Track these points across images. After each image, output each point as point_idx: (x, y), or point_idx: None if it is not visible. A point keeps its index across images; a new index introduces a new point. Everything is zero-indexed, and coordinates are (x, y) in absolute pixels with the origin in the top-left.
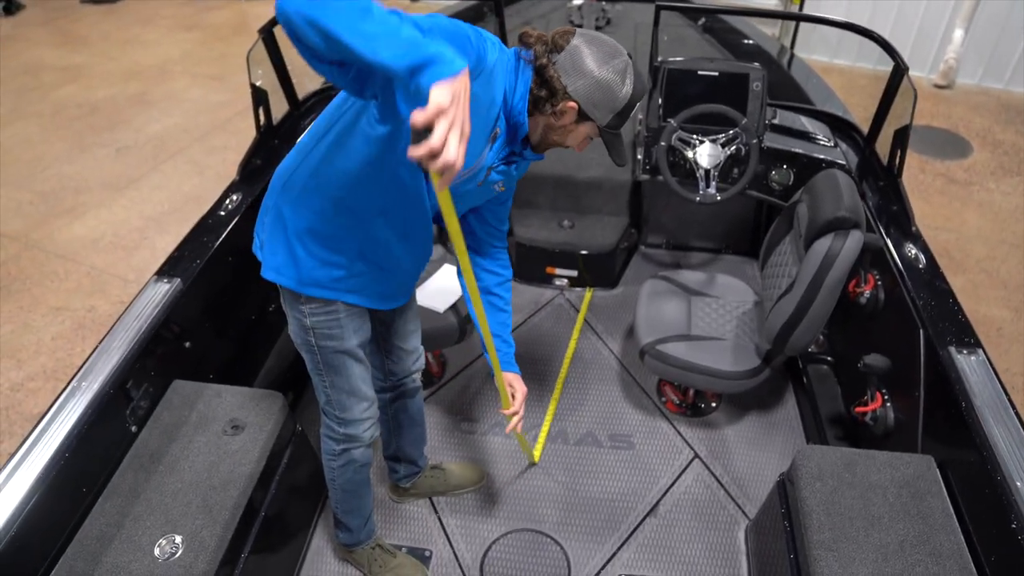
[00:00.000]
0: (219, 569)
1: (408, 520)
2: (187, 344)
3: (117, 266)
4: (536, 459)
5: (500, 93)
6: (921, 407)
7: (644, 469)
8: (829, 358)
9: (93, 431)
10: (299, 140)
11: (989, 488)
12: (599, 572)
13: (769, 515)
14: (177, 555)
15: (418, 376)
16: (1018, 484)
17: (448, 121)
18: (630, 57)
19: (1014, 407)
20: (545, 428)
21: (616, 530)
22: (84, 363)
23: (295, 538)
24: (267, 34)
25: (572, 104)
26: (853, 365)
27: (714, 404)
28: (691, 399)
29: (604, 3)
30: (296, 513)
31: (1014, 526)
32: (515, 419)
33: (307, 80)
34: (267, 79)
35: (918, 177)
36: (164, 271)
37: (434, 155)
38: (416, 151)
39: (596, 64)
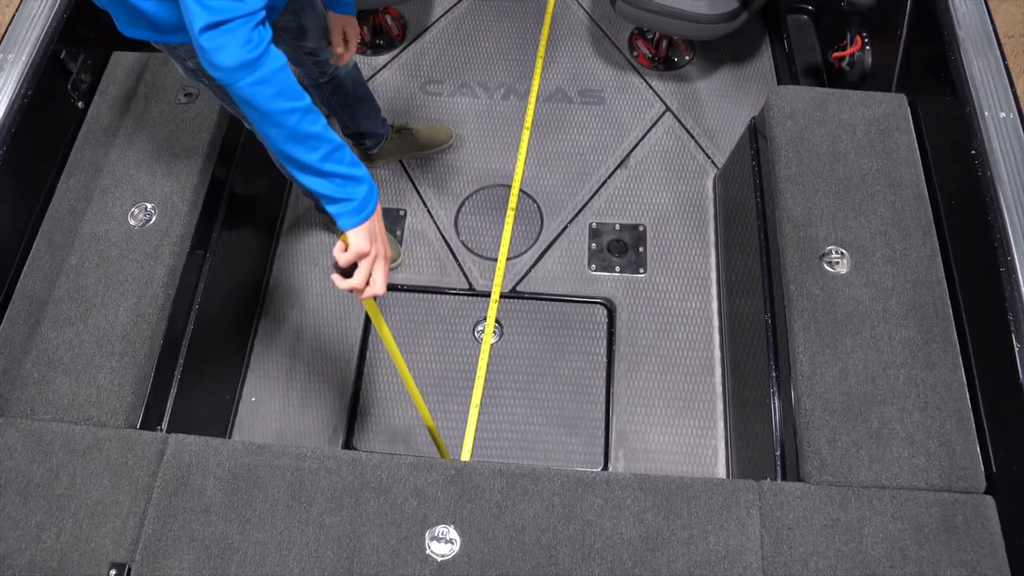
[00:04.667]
0: (196, 234)
1: (381, 183)
2: None
3: None
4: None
5: None
6: (901, 45)
7: (615, 123)
8: (810, 7)
9: (34, 106)
10: None
11: (957, 121)
12: (570, 222)
13: (738, 159)
14: (152, 221)
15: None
16: (986, 114)
17: (369, 261)
18: None
19: (998, 39)
20: (532, 98)
21: (587, 182)
22: (3, 33)
23: (268, 213)
24: None
25: None
26: (836, 11)
27: (687, 57)
28: (664, 52)
29: None
30: (264, 186)
31: (973, 152)
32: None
33: None
34: None
35: None
36: None
37: (360, 291)
38: (342, 285)
39: None
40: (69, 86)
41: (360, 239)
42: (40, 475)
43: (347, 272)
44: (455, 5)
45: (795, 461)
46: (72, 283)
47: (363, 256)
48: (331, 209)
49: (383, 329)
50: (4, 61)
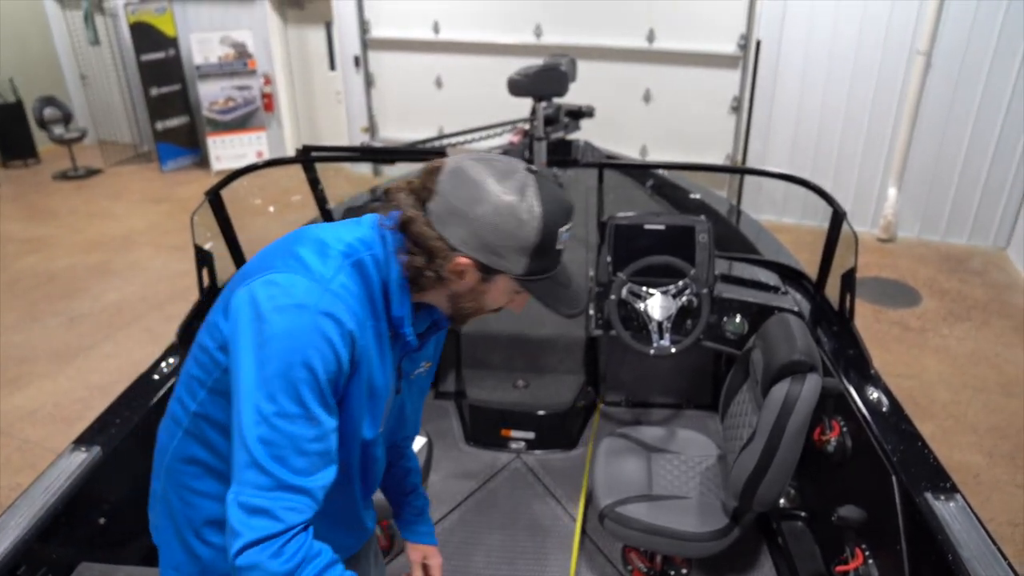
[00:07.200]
0: None
1: None
2: (101, 520)
3: (53, 439)
4: None
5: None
6: (906, 562)
7: None
8: (802, 513)
9: None
10: (169, 403)
11: None
12: None
13: None
14: None
15: None
16: None
17: None
18: (532, 172)
19: (1006, 559)
20: None
21: None
22: None
23: None
24: (213, 196)
25: (464, 261)
26: (828, 519)
27: (684, 570)
28: (659, 566)
29: (556, 169)
30: None
31: None
32: None
33: (255, 241)
34: (218, 242)
35: (874, 326)
36: (83, 439)
37: None
38: None
39: (478, 195)
40: None
41: None
42: None
43: None
44: (446, 515)
45: None
46: None
47: None
48: None
49: None
50: None
